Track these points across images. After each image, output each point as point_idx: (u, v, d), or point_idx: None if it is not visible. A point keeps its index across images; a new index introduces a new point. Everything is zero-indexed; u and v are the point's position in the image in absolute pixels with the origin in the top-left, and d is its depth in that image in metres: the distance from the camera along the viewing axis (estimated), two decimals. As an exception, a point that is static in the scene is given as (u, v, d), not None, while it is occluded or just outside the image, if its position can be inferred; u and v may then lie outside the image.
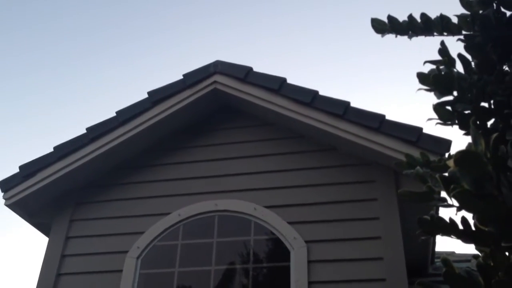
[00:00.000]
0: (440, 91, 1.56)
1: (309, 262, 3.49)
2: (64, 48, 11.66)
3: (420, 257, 4.53)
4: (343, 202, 3.69)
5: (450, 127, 1.63)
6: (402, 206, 3.60)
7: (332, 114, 3.68)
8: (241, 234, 3.74)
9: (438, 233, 1.41)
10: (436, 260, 5.21)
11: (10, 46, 11.31)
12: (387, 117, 3.58)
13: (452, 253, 5.78)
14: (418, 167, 1.66)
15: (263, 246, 3.71)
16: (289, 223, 3.65)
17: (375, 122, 3.56)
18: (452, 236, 1.37)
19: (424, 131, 3.47)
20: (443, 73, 1.59)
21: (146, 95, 4.13)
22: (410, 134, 3.47)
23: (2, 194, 3.99)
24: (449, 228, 1.37)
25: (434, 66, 1.70)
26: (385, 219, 3.54)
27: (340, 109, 3.67)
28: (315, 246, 3.54)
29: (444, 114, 1.60)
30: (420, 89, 1.64)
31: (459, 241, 1.37)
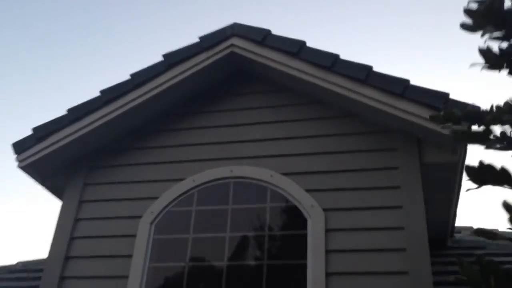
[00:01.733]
0: (490, 27, 1.41)
1: (326, 230, 3.39)
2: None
3: (439, 229, 4.42)
4: (363, 170, 3.56)
5: (497, 71, 1.48)
6: (423, 175, 3.47)
7: (353, 79, 3.53)
8: (257, 202, 3.65)
9: (488, 183, 1.28)
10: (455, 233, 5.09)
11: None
12: (412, 82, 3.42)
13: (470, 228, 5.66)
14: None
15: (279, 214, 3.62)
16: (307, 190, 3.54)
17: (399, 87, 3.41)
18: (505, 186, 1.25)
19: (451, 97, 3.31)
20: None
21: (161, 59, 4.02)
22: (436, 99, 3.31)
23: (16, 156, 3.94)
24: (501, 177, 1.24)
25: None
26: (406, 188, 3.41)
27: (362, 74, 3.51)
28: (333, 215, 3.44)
29: (491, 58, 1.45)
30: (464, 25, 1.50)
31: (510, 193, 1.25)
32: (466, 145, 3.44)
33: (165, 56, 3.99)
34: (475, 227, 5.81)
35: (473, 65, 1.51)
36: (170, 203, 3.77)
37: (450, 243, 4.73)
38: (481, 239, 4.80)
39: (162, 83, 3.95)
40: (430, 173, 3.51)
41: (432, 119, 1.63)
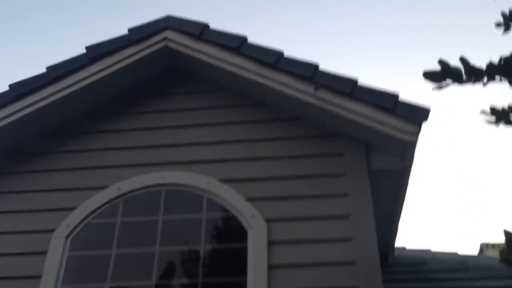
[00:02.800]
0: None
1: (269, 243, 3.04)
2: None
3: (381, 245, 4.20)
4: (308, 176, 3.27)
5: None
6: (371, 183, 3.24)
7: (299, 77, 3.27)
8: (192, 211, 3.24)
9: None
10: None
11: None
12: (360, 82, 3.21)
13: (403, 248, 5.56)
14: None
15: (217, 224, 3.23)
16: (247, 199, 3.19)
17: (347, 87, 3.18)
18: None
19: (401, 98, 3.13)
20: None
21: (84, 51, 3.55)
22: (386, 100, 3.11)
23: None
24: None
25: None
26: (354, 196, 3.16)
27: (309, 72, 3.26)
28: (277, 225, 3.10)
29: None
30: (500, 25, 1.34)
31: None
32: (414, 152, 3.27)
33: (88, 48, 3.53)
34: (407, 247, 5.75)
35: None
36: (89, 214, 3.26)
37: (391, 260, 4.55)
38: (420, 255, 4.72)
39: (84, 78, 3.48)
40: (377, 181, 3.29)
41: (427, 75, 1.40)
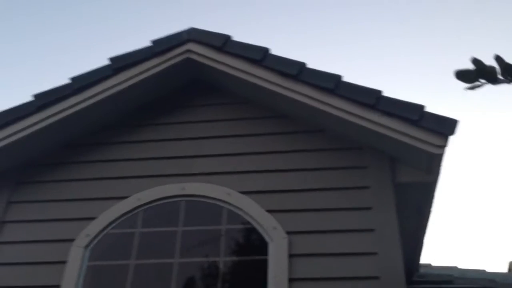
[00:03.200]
0: None
1: (290, 256, 2.97)
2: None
3: (406, 261, 4.10)
4: (331, 189, 3.21)
5: None
6: (396, 197, 3.16)
7: (321, 89, 3.23)
8: (212, 223, 3.20)
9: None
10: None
11: None
12: (384, 93, 3.15)
13: (429, 265, 5.42)
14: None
15: (237, 236, 3.18)
16: (268, 211, 3.14)
17: (371, 98, 3.13)
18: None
19: (426, 109, 3.06)
20: None
21: (108, 62, 3.58)
22: (411, 112, 3.04)
23: None
24: None
25: None
26: (378, 209, 3.08)
27: (331, 83, 3.22)
28: (298, 238, 3.04)
29: None
30: None
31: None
32: (440, 165, 3.18)
33: (112, 59, 3.55)
34: (433, 264, 5.61)
35: None
36: (109, 224, 3.25)
37: (416, 277, 4.42)
38: (447, 273, 4.58)
39: (106, 89, 3.49)
40: (402, 195, 3.21)
41: (460, 75, 1.35)
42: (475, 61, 1.44)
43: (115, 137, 3.64)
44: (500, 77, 1.46)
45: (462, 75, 1.45)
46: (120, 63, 3.54)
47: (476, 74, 1.43)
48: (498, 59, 1.43)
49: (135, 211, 3.29)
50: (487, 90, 1.46)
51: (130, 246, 3.16)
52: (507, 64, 1.42)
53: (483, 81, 1.47)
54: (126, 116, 3.69)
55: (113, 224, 3.25)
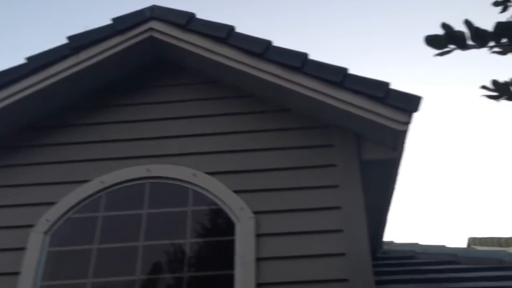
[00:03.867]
0: None
1: (257, 235, 2.96)
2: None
3: (370, 238, 4.16)
4: (298, 168, 3.20)
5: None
6: (362, 174, 3.18)
7: (287, 67, 3.20)
8: (178, 205, 3.15)
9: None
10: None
11: None
12: (350, 71, 3.15)
13: (392, 242, 5.53)
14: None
15: (204, 218, 3.14)
16: (235, 191, 3.11)
17: (338, 76, 3.12)
18: None
19: (392, 86, 3.07)
20: None
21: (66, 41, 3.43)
22: (377, 89, 3.05)
23: None
24: None
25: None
26: (345, 187, 3.10)
27: (297, 61, 3.19)
28: (265, 218, 3.03)
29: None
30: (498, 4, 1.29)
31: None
32: (405, 142, 3.22)
33: (70, 37, 3.41)
34: (396, 241, 5.73)
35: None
36: (71, 208, 3.15)
37: (379, 253, 4.50)
38: (410, 249, 4.69)
39: (65, 69, 3.36)
40: (368, 172, 3.23)
41: (429, 41, 1.34)
42: (445, 26, 1.44)
43: (77, 118, 3.52)
44: (469, 42, 1.46)
45: (432, 41, 1.44)
46: (79, 42, 3.40)
47: (445, 39, 1.43)
48: (468, 23, 1.43)
49: (98, 195, 3.19)
50: (456, 57, 1.46)
51: (93, 231, 3.08)
52: (477, 29, 1.42)
53: (452, 46, 1.47)
54: (88, 97, 3.57)
55: (75, 209, 3.15)
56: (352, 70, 3.13)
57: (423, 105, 2.98)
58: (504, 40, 1.40)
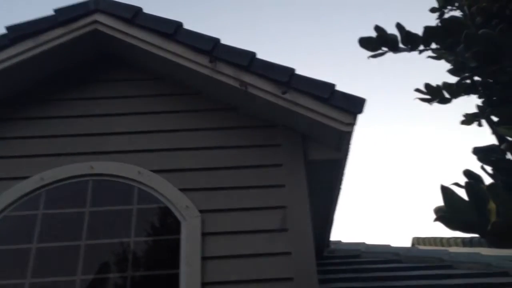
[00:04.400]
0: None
1: (203, 234, 2.94)
2: None
3: (317, 237, 4.21)
4: (244, 167, 3.20)
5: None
6: (307, 174, 3.21)
7: (236, 66, 3.18)
8: (122, 203, 3.07)
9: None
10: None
11: None
12: (297, 72, 3.17)
13: (339, 242, 5.64)
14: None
15: (149, 216, 3.08)
16: (181, 190, 3.07)
17: (284, 76, 3.13)
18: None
19: (337, 88, 3.12)
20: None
21: (4, 31, 3.29)
22: (322, 90, 3.09)
23: None
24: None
25: None
26: (291, 186, 3.12)
27: (245, 60, 3.18)
28: (211, 216, 3.01)
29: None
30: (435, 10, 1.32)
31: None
32: (349, 143, 3.27)
33: (9, 28, 3.26)
34: (343, 241, 5.84)
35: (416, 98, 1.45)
36: (8, 205, 3.02)
37: (326, 253, 4.57)
38: (356, 248, 4.78)
39: (2, 60, 3.21)
40: (313, 172, 3.27)
41: (363, 43, 1.36)
42: (378, 29, 1.46)
43: (15, 113, 3.37)
44: (401, 45, 1.50)
45: (365, 43, 1.47)
46: (18, 32, 3.26)
47: (378, 42, 1.46)
48: (399, 27, 1.46)
49: (38, 192, 3.08)
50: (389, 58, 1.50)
51: (32, 229, 2.96)
52: (408, 32, 1.45)
53: (385, 49, 1.50)
54: (28, 91, 3.43)
55: (12, 206, 3.02)
56: (298, 71, 3.15)
57: (366, 107, 3.05)
58: (433, 45, 1.45)
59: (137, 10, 3.36)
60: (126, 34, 3.35)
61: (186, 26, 3.32)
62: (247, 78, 3.16)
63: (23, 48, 3.23)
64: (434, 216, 1.06)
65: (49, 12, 3.32)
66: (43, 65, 3.38)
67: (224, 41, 3.26)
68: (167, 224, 3.06)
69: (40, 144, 3.25)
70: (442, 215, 1.06)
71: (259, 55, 3.21)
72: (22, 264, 2.85)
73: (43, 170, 3.12)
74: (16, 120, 3.35)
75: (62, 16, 3.33)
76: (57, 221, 3.03)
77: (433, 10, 1.84)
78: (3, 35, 3.25)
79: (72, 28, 3.33)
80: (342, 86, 3.08)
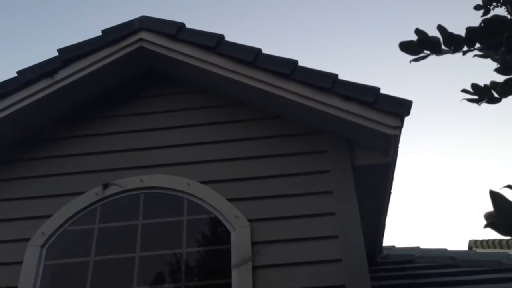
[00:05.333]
0: None
1: (253, 243, 2.96)
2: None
3: (368, 243, 4.13)
4: (291, 175, 3.20)
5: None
6: (355, 180, 3.18)
7: (278, 74, 3.20)
8: (172, 215, 3.15)
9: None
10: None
11: None
12: (340, 77, 3.15)
13: (392, 247, 5.52)
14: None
15: (199, 227, 3.13)
16: (229, 200, 3.11)
17: (327, 82, 3.12)
18: None
19: (382, 91, 3.08)
20: None
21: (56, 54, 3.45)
22: (367, 94, 3.06)
23: None
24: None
25: None
26: (339, 193, 3.10)
27: (287, 68, 3.20)
28: (260, 225, 3.03)
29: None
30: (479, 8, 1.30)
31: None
32: (397, 147, 3.22)
33: (60, 50, 3.42)
34: (397, 246, 5.71)
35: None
36: (66, 221, 3.15)
37: (379, 258, 4.49)
38: (409, 253, 4.67)
39: (57, 81, 3.37)
40: (361, 177, 3.23)
41: (404, 47, 1.35)
42: (418, 32, 1.44)
43: (69, 131, 3.53)
44: (443, 47, 1.47)
45: (406, 47, 1.45)
46: (69, 54, 3.42)
47: (420, 45, 1.44)
48: (441, 28, 1.44)
49: (93, 206, 3.20)
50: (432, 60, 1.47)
51: (89, 243, 3.08)
52: (450, 34, 1.42)
53: (427, 52, 1.47)
54: (79, 109, 3.58)
55: (70, 221, 3.16)
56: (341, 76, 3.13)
57: (413, 109, 2.99)
58: (477, 45, 1.41)
59: (180, 26, 3.45)
60: (170, 49, 3.44)
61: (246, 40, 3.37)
62: (291, 86, 3.17)
63: (74, 69, 3.38)
64: (484, 222, 1.03)
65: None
66: (93, 84, 3.52)
67: (267, 50, 3.30)
68: (217, 234, 3.10)
69: (93, 160, 3.38)
70: (493, 221, 1.02)
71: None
72: (81, 276, 2.96)
73: (97, 186, 3.24)
74: (70, 138, 3.50)
75: (109, 37, 3.46)
76: (112, 234, 3.14)
77: (477, 7, 1.79)
78: (56, 57, 3.42)
79: (119, 47, 3.45)
80: (386, 89, 3.05)
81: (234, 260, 2.91)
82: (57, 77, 3.37)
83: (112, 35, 3.46)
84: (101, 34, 3.48)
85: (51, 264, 3.04)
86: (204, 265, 3.06)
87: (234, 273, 2.87)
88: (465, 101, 1.55)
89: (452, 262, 4.04)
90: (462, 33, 1.42)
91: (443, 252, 4.44)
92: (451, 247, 4.81)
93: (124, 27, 3.51)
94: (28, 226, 3.14)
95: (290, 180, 3.19)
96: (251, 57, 3.27)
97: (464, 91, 1.48)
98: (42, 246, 3.07)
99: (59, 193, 3.26)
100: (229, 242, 2.99)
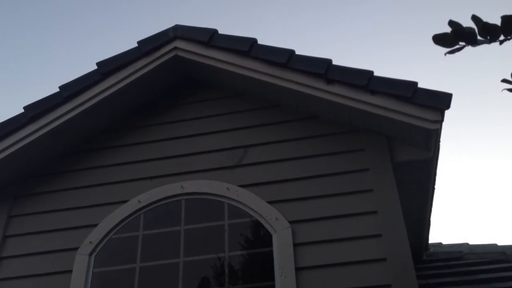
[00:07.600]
0: None
1: (295, 245, 2.95)
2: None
3: (414, 241, 4.06)
4: (330, 175, 3.18)
5: None
6: (396, 177, 3.12)
7: (312, 74, 3.19)
8: (214, 219, 3.18)
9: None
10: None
11: None
12: (376, 74, 3.11)
13: (439, 244, 5.38)
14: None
15: (240, 230, 3.15)
16: (269, 202, 3.12)
17: (363, 80, 3.09)
18: None
19: (420, 86, 3.01)
20: None
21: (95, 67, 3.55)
22: (404, 89, 3.00)
23: None
24: None
25: None
26: (379, 190, 3.05)
27: (322, 68, 3.18)
28: (301, 227, 3.02)
29: None
30: None
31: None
32: (438, 141, 3.14)
33: (99, 63, 3.52)
34: (444, 243, 5.56)
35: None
36: (112, 229, 3.23)
37: (425, 256, 4.38)
38: (457, 250, 4.54)
39: (96, 94, 3.46)
40: (402, 174, 3.17)
41: (438, 39, 1.32)
42: (452, 24, 1.40)
43: (110, 141, 3.62)
44: (479, 37, 1.43)
45: (440, 39, 1.41)
46: (108, 67, 3.51)
47: (454, 37, 1.40)
48: (475, 19, 1.39)
49: (136, 214, 3.27)
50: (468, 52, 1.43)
51: (134, 250, 3.15)
52: (485, 24, 1.38)
53: (462, 43, 1.43)
54: (119, 120, 3.67)
55: (116, 229, 3.23)
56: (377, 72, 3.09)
57: (453, 102, 2.91)
58: None
59: (213, 32, 3.49)
60: (204, 56, 3.48)
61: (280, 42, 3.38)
62: (326, 86, 3.15)
63: (113, 81, 3.47)
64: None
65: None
66: (132, 95, 3.60)
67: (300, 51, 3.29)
68: (258, 237, 3.11)
69: (134, 169, 3.46)
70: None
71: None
72: (128, 283, 3.03)
73: (139, 194, 3.31)
74: (110, 148, 3.59)
75: (145, 47, 3.53)
76: (156, 240, 3.20)
77: None
78: (95, 71, 3.51)
79: (155, 57, 3.52)
80: (424, 83, 2.98)
81: (277, 262, 2.91)
82: (96, 90, 3.46)
83: (148, 46, 3.53)
84: (136, 45, 3.56)
85: (99, 271, 3.12)
86: (247, 268, 3.07)
87: (277, 275, 2.87)
88: (505, 91, 1.50)
89: (502, 257, 3.90)
90: (498, 22, 1.38)
91: (492, 248, 4.29)
92: (501, 242, 4.64)
93: (159, 37, 3.58)
94: (76, 235, 3.24)
95: (329, 180, 3.16)
96: (285, 58, 3.27)
97: (504, 81, 1.44)
98: (90, 254, 3.15)
99: (104, 202, 3.35)
100: (271, 244, 3.00)
